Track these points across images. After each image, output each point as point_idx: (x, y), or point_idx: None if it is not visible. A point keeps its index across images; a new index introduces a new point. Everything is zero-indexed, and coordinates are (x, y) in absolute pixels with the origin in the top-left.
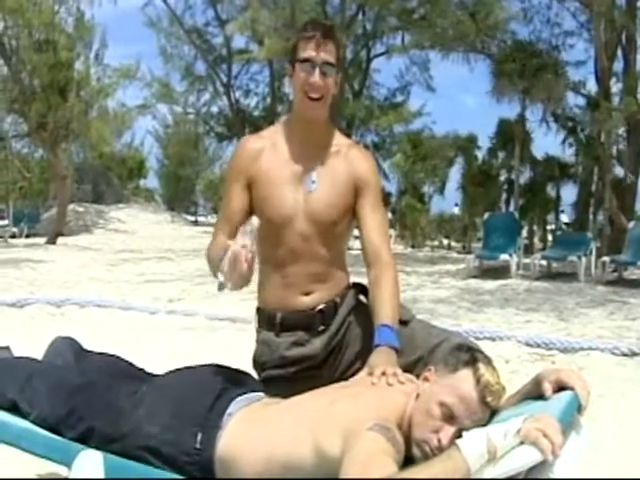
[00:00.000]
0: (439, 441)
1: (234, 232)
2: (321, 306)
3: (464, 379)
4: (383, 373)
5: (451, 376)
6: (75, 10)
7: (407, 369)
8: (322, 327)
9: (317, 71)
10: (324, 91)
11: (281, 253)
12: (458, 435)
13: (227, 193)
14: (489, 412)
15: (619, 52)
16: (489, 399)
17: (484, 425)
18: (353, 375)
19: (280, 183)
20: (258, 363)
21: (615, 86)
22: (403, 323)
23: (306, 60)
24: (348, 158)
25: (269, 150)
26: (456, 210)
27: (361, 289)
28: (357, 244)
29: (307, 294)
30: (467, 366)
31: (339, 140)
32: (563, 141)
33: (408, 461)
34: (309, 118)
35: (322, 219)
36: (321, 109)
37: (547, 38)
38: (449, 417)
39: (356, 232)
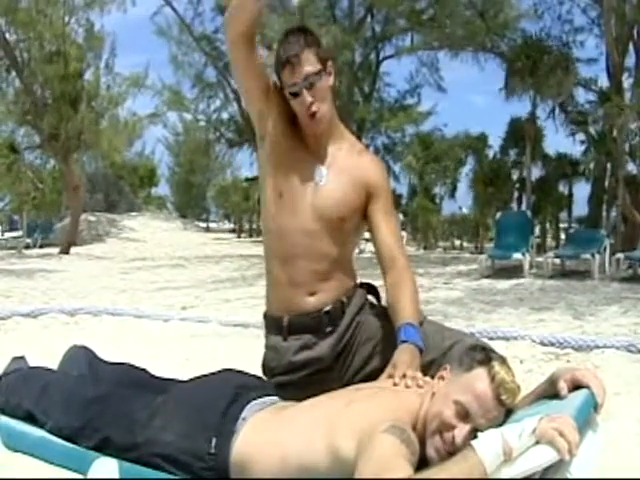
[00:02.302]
0: (453, 439)
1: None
2: (327, 307)
3: (479, 377)
4: (404, 375)
5: (466, 375)
6: (85, 21)
7: (421, 371)
8: (330, 328)
9: (304, 93)
10: (318, 103)
11: (286, 247)
12: (473, 436)
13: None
14: (504, 411)
15: (630, 47)
16: (504, 397)
17: (499, 425)
18: (366, 376)
19: (294, 167)
20: (267, 369)
21: (627, 81)
22: None
23: (291, 90)
24: (359, 161)
25: (291, 131)
26: (465, 210)
27: (369, 289)
28: (369, 247)
29: (313, 294)
30: (482, 365)
31: (351, 142)
32: (572, 135)
33: (423, 462)
34: (315, 133)
35: (327, 214)
36: (322, 119)
37: (558, 35)
38: (464, 416)
39: (367, 235)
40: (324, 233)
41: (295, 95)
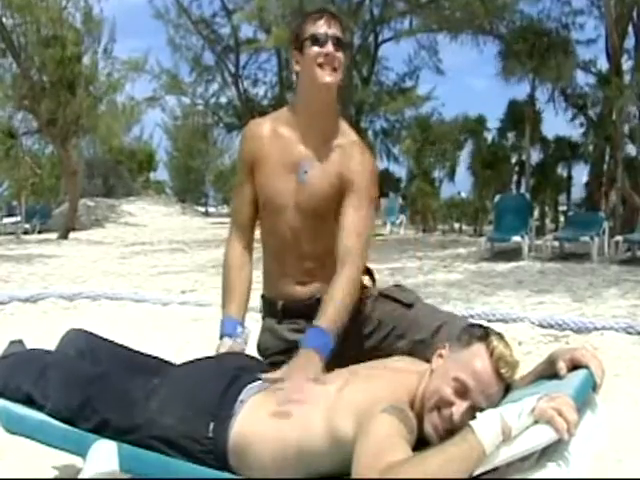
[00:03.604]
0: (451, 416)
1: (246, 227)
2: (319, 295)
3: (478, 352)
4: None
5: (464, 351)
6: (83, 5)
7: (409, 351)
8: None
9: (330, 42)
10: (338, 64)
11: (275, 242)
12: (472, 416)
13: (236, 183)
14: (503, 387)
15: (630, 29)
16: (503, 370)
17: (498, 405)
18: (361, 356)
19: (276, 171)
20: (263, 349)
21: (626, 64)
22: (407, 306)
23: (317, 36)
24: (346, 153)
25: (270, 136)
26: (463, 194)
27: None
28: None
29: (303, 284)
30: (480, 340)
31: (344, 134)
32: (572, 119)
33: (422, 441)
34: (324, 89)
35: (309, 211)
36: (335, 81)
37: (557, 17)
38: (463, 392)
39: None
40: (309, 230)
41: (317, 42)
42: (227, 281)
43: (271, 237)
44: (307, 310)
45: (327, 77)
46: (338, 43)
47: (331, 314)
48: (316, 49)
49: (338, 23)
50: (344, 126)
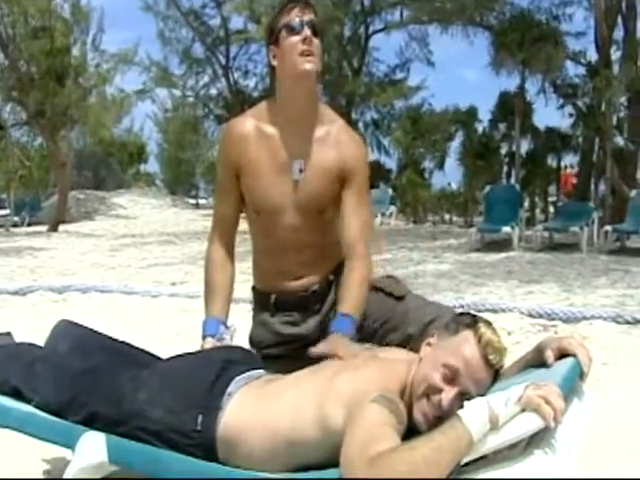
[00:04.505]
0: (440, 402)
1: (228, 229)
2: (315, 287)
3: (466, 339)
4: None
5: (453, 338)
6: None
7: (401, 344)
8: (317, 306)
9: (306, 28)
10: (316, 49)
11: (272, 243)
12: (461, 403)
13: (218, 183)
14: (492, 373)
15: (619, 20)
16: (491, 357)
17: (486, 393)
18: None
19: (266, 173)
20: (255, 342)
21: (615, 54)
22: (398, 299)
23: (292, 24)
24: (337, 142)
25: (255, 136)
26: (453, 186)
27: None
28: None
29: (299, 278)
30: (468, 327)
31: (329, 121)
32: (561, 107)
33: (412, 431)
34: (305, 76)
35: (311, 209)
36: (316, 67)
37: (547, 8)
38: (451, 378)
39: None
40: (308, 226)
41: (293, 31)
42: (210, 282)
43: (267, 238)
44: (301, 302)
45: (307, 64)
46: (314, 29)
47: (352, 303)
48: (293, 38)
49: (312, 10)
50: (327, 112)
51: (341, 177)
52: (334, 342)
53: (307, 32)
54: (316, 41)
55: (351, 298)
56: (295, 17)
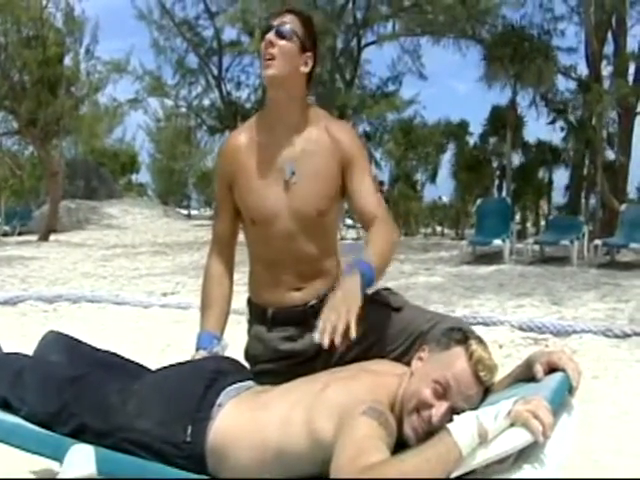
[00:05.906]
0: (430, 418)
1: (226, 244)
2: (312, 302)
3: (457, 355)
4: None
5: (444, 354)
6: (64, 5)
7: (399, 357)
8: (315, 321)
9: (272, 32)
10: (277, 52)
11: (269, 253)
12: (449, 419)
13: (216, 201)
14: (482, 390)
15: (609, 35)
16: (482, 374)
17: (476, 408)
18: (351, 360)
19: (259, 179)
20: (251, 356)
21: (605, 69)
22: (395, 310)
23: (264, 30)
24: (329, 135)
25: (246, 146)
26: (445, 199)
27: None
28: (350, 234)
29: (298, 290)
30: (459, 344)
31: (316, 119)
32: (552, 122)
33: (401, 444)
34: (267, 81)
35: (308, 212)
36: (275, 72)
37: (539, 23)
38: (442, 394)
39: (348, 222)
40: (306, 233)
41: (263, 36)
42: (206, 297)
43: (264, 248)
44: (299, 317)
45: (266, 70)
46: (284, 31)
47: (374, 254)
48: (262, 44)
49: (297, 18)
50: (317, 112)
51: (342, 166)
52: (342, 296)
53: (270, 36)
54: (281, 43)
55: (375, 251)
56: (269, 23)
